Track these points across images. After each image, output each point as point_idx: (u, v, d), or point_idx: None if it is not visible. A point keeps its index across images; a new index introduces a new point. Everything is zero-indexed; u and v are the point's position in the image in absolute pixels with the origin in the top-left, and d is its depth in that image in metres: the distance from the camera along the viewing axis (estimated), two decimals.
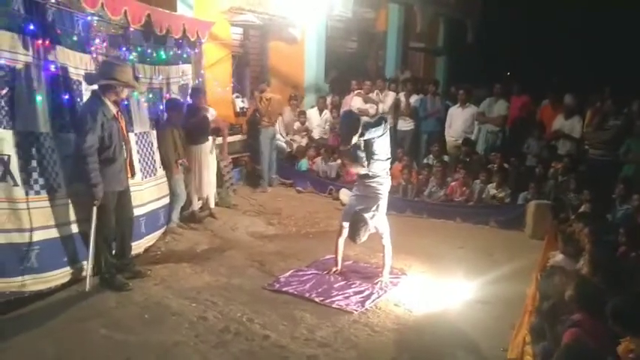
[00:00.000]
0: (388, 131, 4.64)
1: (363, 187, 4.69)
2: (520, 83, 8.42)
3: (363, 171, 4.62)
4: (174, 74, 6.01)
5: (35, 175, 4.08)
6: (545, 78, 9.95)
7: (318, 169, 8.53)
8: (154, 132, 5.63)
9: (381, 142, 4.56)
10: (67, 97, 4.33)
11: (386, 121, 4.65)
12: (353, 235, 4.62)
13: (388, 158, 4.72)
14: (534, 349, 3.20)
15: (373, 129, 4.44)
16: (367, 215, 4.58)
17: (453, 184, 7.27)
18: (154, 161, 5.59)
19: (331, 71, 10.42)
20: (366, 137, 4.45)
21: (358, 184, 4.79)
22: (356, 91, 9.07)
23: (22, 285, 3.98)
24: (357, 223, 4.58)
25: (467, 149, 7.84)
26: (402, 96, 8.92)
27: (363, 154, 4.58)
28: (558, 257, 4.67)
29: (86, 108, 4.21)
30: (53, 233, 4.23)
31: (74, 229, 4.42)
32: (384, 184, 4.66)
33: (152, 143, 5.57)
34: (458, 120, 8.30)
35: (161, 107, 5.78)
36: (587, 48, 13.06)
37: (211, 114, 6.48)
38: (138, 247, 5.19)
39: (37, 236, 4.07)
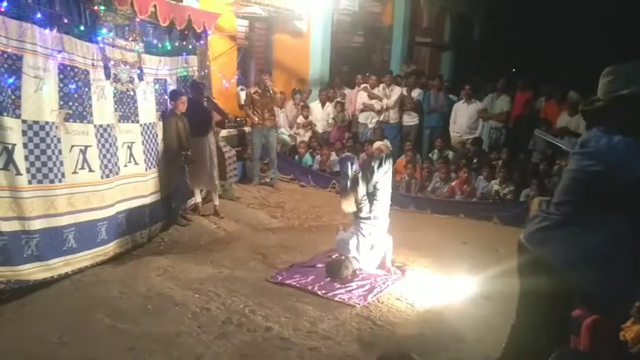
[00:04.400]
0: (390, 170, 4.71)
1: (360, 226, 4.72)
2: (525, 79, 8.32)
3: (350, 209, 4.67)
4: (178, 65, 6.00)
5: (38, 164, 4.08)
6: (552, 74, 9.84)
7: (320, 165, 8.47)
8: (161, 123, 5.63)
9: (384, 180, 4.63)
10: (73, 86, 4.34)
11: (389, 159, 4.71)
12: (334, 275, 4.57)
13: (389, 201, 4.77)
14: None
15: (380, 169, 4.55)
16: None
17: (454, 183, 7.25)
18: (158, 152, 5.60)
19: (342, 67, 10.33)
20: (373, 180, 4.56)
21: (355, 223, 4.78)
22: (362, 86, 9.05)
23: (25, 273, 3.99)
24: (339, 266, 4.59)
25: (476, 149, 7.79)
26: (404, 90, 8.90)
27: (362, 191, 4.61)
28: None
29: None
30: (53, 222, 4.23)
31: (73, 219, 4.43)
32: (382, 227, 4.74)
33: (157, 135, 5.57)
34: (463, 116, 8.27)
35: (166, 98, 5.78)
36: (596, 43, 12.93)
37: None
38: (141, 237, 5.22)
39: (37, 225, 4.07)
